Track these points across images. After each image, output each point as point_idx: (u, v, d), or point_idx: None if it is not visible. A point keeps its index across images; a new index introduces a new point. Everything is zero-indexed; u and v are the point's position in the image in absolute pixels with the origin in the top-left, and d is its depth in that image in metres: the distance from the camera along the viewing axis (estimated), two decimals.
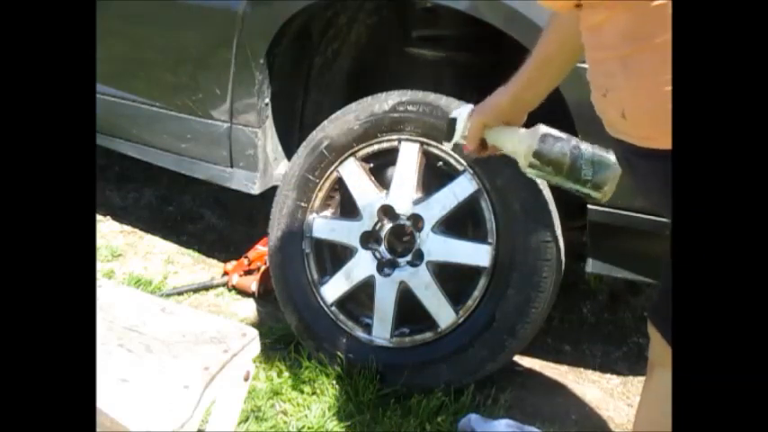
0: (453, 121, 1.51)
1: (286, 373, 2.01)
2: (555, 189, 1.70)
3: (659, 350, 1.19)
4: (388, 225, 1.97)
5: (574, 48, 1.24)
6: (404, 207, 1.93)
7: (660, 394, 1.20)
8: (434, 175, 1.93)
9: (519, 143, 1.41)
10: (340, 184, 2.03)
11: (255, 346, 1.32)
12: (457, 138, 1.50)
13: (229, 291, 2.46)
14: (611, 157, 1.32)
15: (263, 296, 2.37)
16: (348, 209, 2.04)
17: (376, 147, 1.96)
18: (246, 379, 1.26)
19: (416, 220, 1.92)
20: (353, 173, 1.98)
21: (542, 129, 1.39)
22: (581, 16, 1.09)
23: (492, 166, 1.80)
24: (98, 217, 2.89)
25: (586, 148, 1.37)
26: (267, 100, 2.14)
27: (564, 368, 2.14)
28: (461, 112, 1.51)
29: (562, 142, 1.38)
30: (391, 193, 1.94)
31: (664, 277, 1.22)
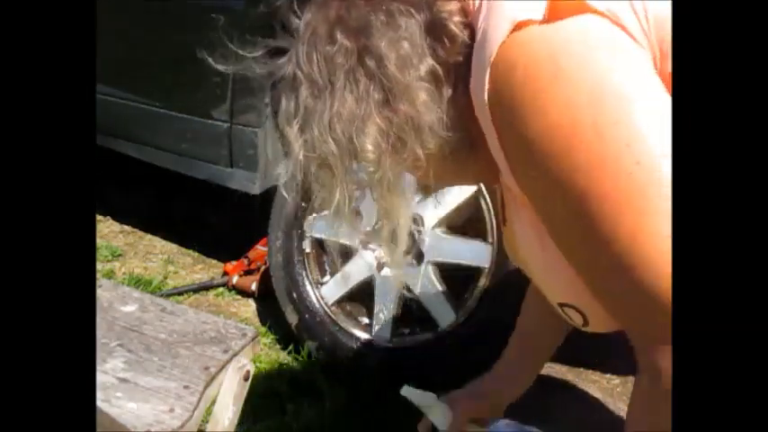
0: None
1: (286, 374, 2.01)
2: None
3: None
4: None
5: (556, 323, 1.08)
6: None
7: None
8: None
9: None
10: None
11: (255, 346, 1.32)
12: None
13: (229, 291, 2.46)
14: None
15: (263, 296, 2.37)
16: None
17: None
18: (246, 379, 1.26)
19: (416, 219, 1.92)
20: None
21: None
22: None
23: None
24: (98, 217, 2.89)
25: None
26: (267, 100, 2.14)
27: (564, 368, 2.14)
28: (426, 400, 1.33)
29: None
30: None
31: None
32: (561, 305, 0.85)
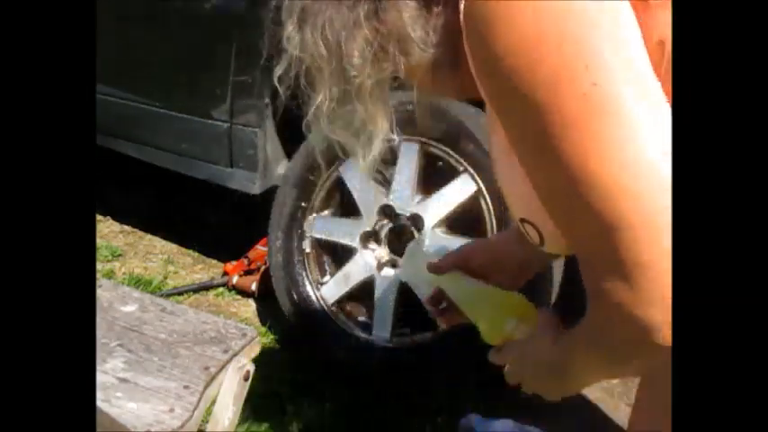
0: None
1: (286, 374, 2.01)
2: None
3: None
4: (388, 225, 1.97)
5: None
6: (404, 207, 1.93)
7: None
8: (434, 175, 1.93)
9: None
10: (340, 184, 2.03)
11: (255, 346, 1.32)
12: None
13: (229, 291, 2.46)
14: None
15: (263, 296, 2.37)
16: (348, 209, 2.04)
17: None
18: (246, 379, 1.26)
19: (416, 219, 1.92)
20: (353, 173, 1.98)
21: None
22: None
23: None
24: (98, 217, 2.89)
25: None
26: (267, 100, 2.14)
27: None
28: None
29: None
30: (391, 192, 1.94)
31: None
32: (522, 220, 0.87)
